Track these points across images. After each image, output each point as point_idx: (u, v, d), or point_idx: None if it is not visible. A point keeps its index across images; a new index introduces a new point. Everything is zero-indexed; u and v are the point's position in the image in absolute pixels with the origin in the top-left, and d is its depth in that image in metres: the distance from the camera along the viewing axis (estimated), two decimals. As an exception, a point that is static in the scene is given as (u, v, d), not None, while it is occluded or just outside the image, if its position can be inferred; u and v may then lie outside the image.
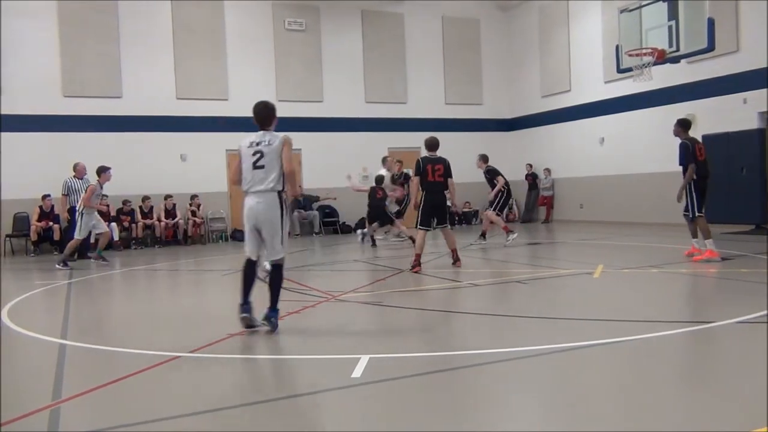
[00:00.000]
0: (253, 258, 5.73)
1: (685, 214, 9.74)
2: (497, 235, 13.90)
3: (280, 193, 5.62)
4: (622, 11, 13.23)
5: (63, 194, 12.97)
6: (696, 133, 14.82)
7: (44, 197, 14.93)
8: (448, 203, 10.26)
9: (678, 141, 9.68)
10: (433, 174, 9.49)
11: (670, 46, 12.01)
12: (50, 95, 15.80)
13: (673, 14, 11.95)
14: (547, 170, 20.02)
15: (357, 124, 19.00)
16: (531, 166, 20.48)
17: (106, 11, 16.40)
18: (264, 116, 5.85)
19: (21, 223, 15.35)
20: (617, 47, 13.49)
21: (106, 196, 12.82)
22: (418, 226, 9.55)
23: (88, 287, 9.75)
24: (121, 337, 5.96)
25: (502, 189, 12.79)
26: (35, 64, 15.65)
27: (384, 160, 15.01)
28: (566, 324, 5.86)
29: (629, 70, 13.09)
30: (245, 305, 5.66)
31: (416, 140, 19.11)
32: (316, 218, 18.33)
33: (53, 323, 6.62)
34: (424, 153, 9.90)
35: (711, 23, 11.40)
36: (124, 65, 16.58)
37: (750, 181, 14.01)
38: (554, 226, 18.32)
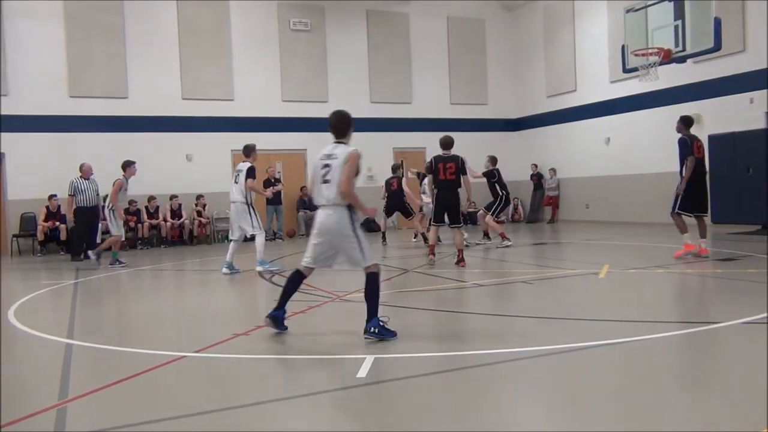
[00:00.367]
0: (311, 266, 5.54)
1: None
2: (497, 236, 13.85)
3: (348, 206, 5.36)
4: (627, 11, 13.18)
5: (69, 194, 13.01)
6: (702, 133, 14.78)
7: (51, 197, 15.00)
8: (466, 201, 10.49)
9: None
10: (445, 172, 9.72)
11: (676, 45, 11.96)
12: (56, 96, 15.86)
13: (679, 14, 11.90)
14: (553, 170, 19.98)
15: (362, 124, 18.78)
16: (536, 166, 20.45)
17: (112, 12, 16.45)
18: (337, 127, 5.62)
19: (28, 223, 15.41)
20: (623, 47, 13.44)
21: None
22: (431, 222, 10.04)
23: (94, 287, 9.79)
24: (127, 337, 5.98)
25: (501, 193, 12.73)
26: (42, 65, 15.71)
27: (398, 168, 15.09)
28: (572, 324, 5.85)
29: (635, 69, 13.04)
30: (279, 309, 5.52)
31: (421, 140, 19.21)
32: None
33: (59, 323, 6.65)
34: (438, 152, 10.10)
35: (717, 23, 11.36)
36: (130, 66, 16.63)
37: (756, 181, 13.95)
38: (559, 227, 18.28)
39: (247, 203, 10.15)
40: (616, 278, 8.31)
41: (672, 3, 12.00)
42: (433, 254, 10.18)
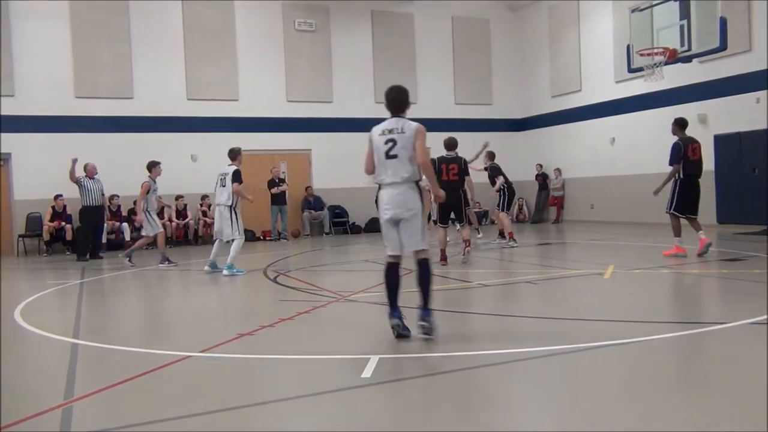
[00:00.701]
0: (397, 253, 5.26)
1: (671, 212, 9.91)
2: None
3: (417, 183, 5.21)
4: (633, 11, 13.17)
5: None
6: (707, 133, 14.78)
7: (56, 197, 15.04)
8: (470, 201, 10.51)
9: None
10: (448, 173, 9.77)
11: (682, 45, 11.95)
12: (62, 96, 15.91)
13: (684, 13, 11.89)
14: (558, 170, 19.95)
15: (367, 124, 18.78)
16: (541, 166, 20.41)
17: (117, 12, 16.49)
18: (398, 101, 5.39)
19: (34, 223, 15.47)
20: (628, 47, 13.42)
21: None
22: (438, 224, 10.00)
23: (99, 287, 9.82)
24: (133, 337, 6.00)
25: (502, 187, 12.72)
26: (47, 65, 15.77)
27: None
28: (577, 325, 5.84)
29: (640, 69, 13.03)
30: (395, 311, 5.20)
31: (426, 140, 19.16)
32: (326, 218, 18.35)
33: (65, 323, 6.67)
34: (442, 152, 10.11)
35: (723, 22, 11.33)
36: (135, 66, 16.67)
37: (762, 182, 13.91)
38: (564, 227, 18.25)
39: (231, 207, 10.14)
40: (621, 279, 8.29)
41: (677, 3, 11.99)
42: (445, 260, 9.87)
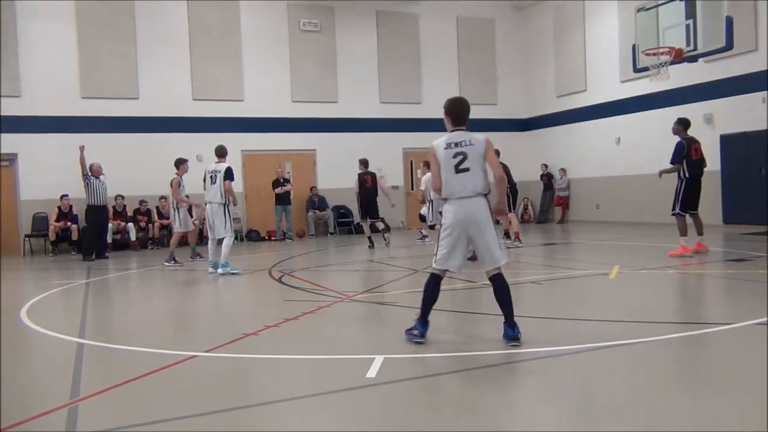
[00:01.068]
0: (456, 271, 5.15)
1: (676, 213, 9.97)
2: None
3: (486, 196, 5.08)
4: (638, 10, 13.13)
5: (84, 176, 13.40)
6: (713, 132, 14.74)
7: (62, 197, 15.09)
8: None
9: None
10: None
11: (688, 45, 11.90)
12: (68, 96, 15.96)
13: (690, 13, 11.85)
14: (563, 170, 19.91)
15: (371, 125, 19.02)
16: (546, 166, 20.38)
17: (123, 13, 16.54)
18: (462, 113, 5.17)
19: (40, 223, 15.52)
20: (634, 46, 13.38)
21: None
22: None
23: (105, 287, 9.85)
24: (138, 337, 6.01)
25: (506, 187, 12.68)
26: (53, 66, 15.82)
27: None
28: (582, 325, 5.83)
29: (646, 69, 12.99)
30: (425, 325, 5.10)
31: (431, 140, 19.06)
32: (330, 218, 18.37)
33: (71, 322, 6.69)
34: None
35: (729, 22, 11.29)
36: (140, 67, 16.71)
37: (769, 182, 13.85)
38: (570, 227, 18.21)
39: (224, 204, 10.15)
40: (626, 279, 8.27)
41: (683, 2, 11.95)
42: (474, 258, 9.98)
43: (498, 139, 15.37)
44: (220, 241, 10.24)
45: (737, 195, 14.55)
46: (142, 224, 16.04)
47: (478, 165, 4.99)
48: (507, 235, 13.04)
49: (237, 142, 17.28)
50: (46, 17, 15.82)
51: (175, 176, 12.22)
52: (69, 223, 15.10)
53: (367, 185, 13.97)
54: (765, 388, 3.71)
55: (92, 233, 13.69)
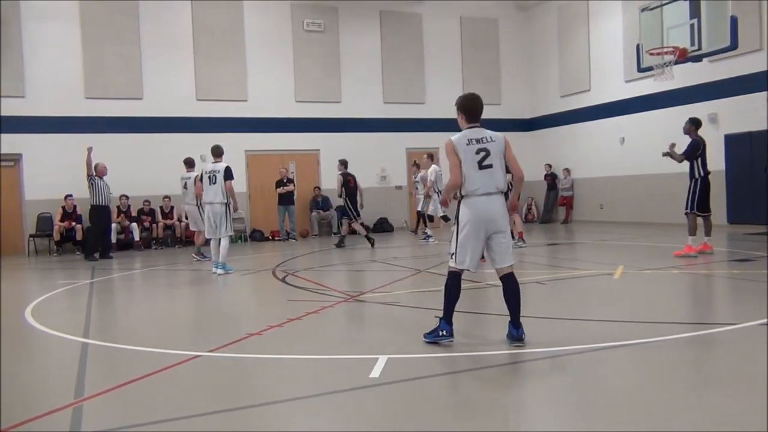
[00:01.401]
0: (474, 270, 5.08)
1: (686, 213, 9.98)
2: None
3: (505, 194, 5.11)
4: (643, 10, 13.11)
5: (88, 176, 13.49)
6: (718, 132, 14.71)
7: (66, 197, 15.12)
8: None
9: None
10: None
11: (692, 44, 11.87)
12: (72, 97, 16.00)
13: (695, 12, 11.82)
14: (567, 170, 19.88)
15: (375, 125, 19.03)
16: (550, 166, 20.35)
17: (127, 14, 16.58)
18: (477, 109, 5.16)
19: (44, 223, 15.56)
20: (638, 46, 13.36)
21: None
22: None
23: (109, 287, 9.87)
24: (142, 337, 6.02)
25: (509, 186, 12.66)
26: (57, 67, 15.86)
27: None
28: (586, 325, 5.82)
29: (650, 69, 12.96)
30: (451, 323, 5.03)
31: (434, 140, 19.12)
32: (334, 218, 18.36)
33: (75, 322, 6.70)
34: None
35: (734, 21, 11.26)
36: (144, 67, 16.75)
37: (773, 182, 13.80)
38: (574, 227, 18.19)
39: (226, 204, 10.14)
40: (631, 279, 8.26)
41: (687, 2, 11.92)
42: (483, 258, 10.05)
43: (502, 139, 15.52)
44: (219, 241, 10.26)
45: (741, 195, 14.51)
46: (146, 224, 16.07)
47: (499, 162, 4.98)
48: (511, 234, 13.03)
49: (241, 142, 17.36)
50: (50, 18, 15.86)
51: (196, 174, 12.22)
52: (73, 223, 15.13)
53: (350, 185, 14.08)
54: (766, 388, 3.71)
55: (96, 233, 13.72)
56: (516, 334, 4.91)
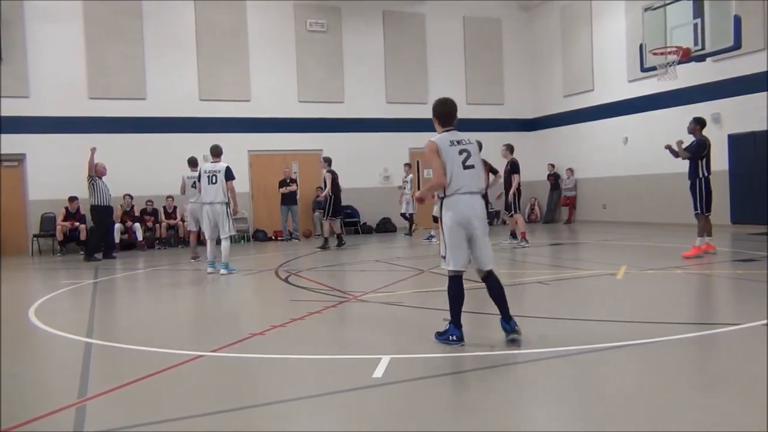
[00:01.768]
0: (464, 269, 5.07)
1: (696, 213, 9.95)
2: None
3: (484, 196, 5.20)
4: (646, 10, 13.07)
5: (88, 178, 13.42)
6: (721, 132, 14.68)
7: (71, 200, 15.08)
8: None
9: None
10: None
11: (696, 44, 11.84)
12: (76, 97, 16.04)
13: (698, 12, 11.79)
14: (570, 170, 19.86)
15: (378, 125, 19.03)
16: (553, 166, 20.33)
17: (130, 13, 16.61)
18: (453, 114, 5.22)
19: (48, 223, 15.59)
20: (641, 46, 13.33)
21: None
22: None
23: (112, 287, 9.89)
24: (145, 336, 6.03)
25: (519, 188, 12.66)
26: (61, 67, 15.90)
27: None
28: (589, 325, 5.81)
29: (653, 69, 12.93)
30: (460, 325, 5.03)
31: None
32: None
33: (79, 322, 6.72)
34: None
35: (737, 21, 11.22)
36: (148, 67, 16.77)
37: (776, 181, 13.76)
38: (577, 227, 18.17)
39: (226, 204, 10.16)
40: (634, 279, 8.24)
41: (691, 1, 11.89)
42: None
43: (505, 139, 15.55)
44: (218, 241, 10.26)
45: (745, 194, 14.47)
46: (149, 224, 16.10)
47: (479, 163, 5.14)
48: (513, 235, 13.01)
49: (243, 143, 17.39)
50: (53, 18, 15.89)
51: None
52: (77, 223, 15.15)
53: (337, 182, 14.27)
54: (766, 388, 3.70)
55: (98, 234, 13.72)
56: (509, 327, 4.95)
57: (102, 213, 13.51)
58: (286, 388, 4.25)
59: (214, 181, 10.14)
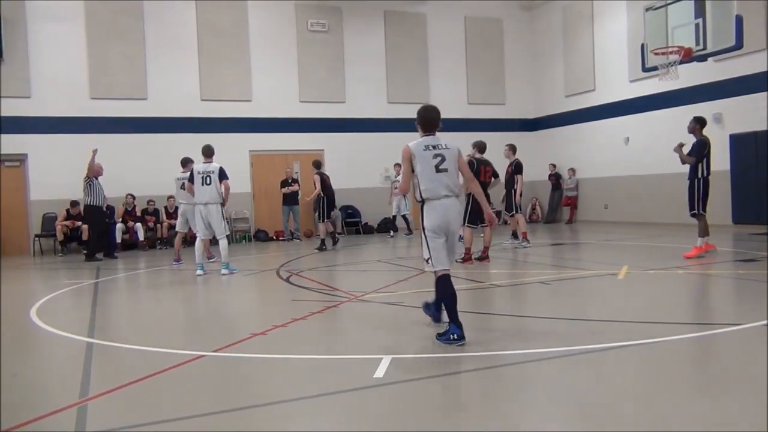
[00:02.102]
0: (449, 267, 5.27)
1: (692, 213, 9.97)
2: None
3: (458, 198, 5.40)
4: (647, 9, 13.06)
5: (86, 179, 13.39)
6: (723, 132, 14.67)
7: (73, 204, 15.04)
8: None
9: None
10: (485, 175, 10.21)
11: (697, 44, 11.83)
12: (77, 97, 16.05)
13: (700, 12, 11.78)
14: (572, 170, 19.85)
15: (379, 125, 19.02)
16: (554, 166, 20.32)
17: (131, 14, 16.61)
18: (433, 120, 5.42)
19: (49, 223, 15.60)
20: (643, 46, 13.32)
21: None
22: (466, 224, 9.98)
23: (113, 287, 9.89)
24: (147, 336, 6.03)
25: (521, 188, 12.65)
26: (62, 67, 15.91)
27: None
28: (590, 325, 5.81)
29: (655, 69, 12.93)
30: (459, 324, 5.03)
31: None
32: (338, 218, 18.36)
33: (80, 322, 6.72)
34: (477, 155, 10.46)
35: (739, 21, 11.21)
36: (149, 68, 16.78)
37: (778, 181, 13.75)
38: (578, 227, 18.15)
39: (222, 204, 10.16)
40: (635, 279, 8.24)
41: (692, 1, 11.88)
42: (470, 259, 10.11)
43: (506, 139, 15.54)
44: (214, 241, 10.26)
45: (746, 195, 14.46)
46: (151, 224, 16.10)
47: (454, 167, 5.30)
48: (515, 235, 13.00)
49: (245, 143, 17.40)
50: (55, 18, 15.90)
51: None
52: (78, 223, 15.14)
53: (327, 184, 14.22)
54: (766, 388, 3.70)
55: (98, 234, 13.70)
56: (459, 333, 4.96)
57: (97, 213, 13.49)
58: (287, 388, 4.25)
59: (208, 182, 10.11)
